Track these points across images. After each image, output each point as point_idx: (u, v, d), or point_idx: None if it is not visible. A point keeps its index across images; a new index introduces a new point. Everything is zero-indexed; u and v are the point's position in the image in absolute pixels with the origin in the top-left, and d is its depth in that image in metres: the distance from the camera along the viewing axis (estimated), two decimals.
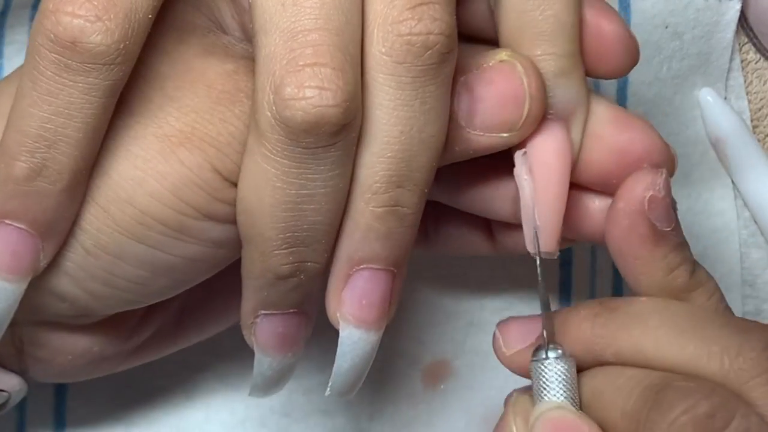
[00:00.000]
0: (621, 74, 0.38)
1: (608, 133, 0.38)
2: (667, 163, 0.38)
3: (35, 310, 0.38)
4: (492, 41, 0.38)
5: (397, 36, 0.34)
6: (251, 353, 0.47)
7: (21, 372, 0.41)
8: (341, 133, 0.34)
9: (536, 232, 0.37)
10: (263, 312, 0.37)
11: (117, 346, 0.41)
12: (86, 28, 0.33)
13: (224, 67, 0.36)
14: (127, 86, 0.35)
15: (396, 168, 0.35)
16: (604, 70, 0.38)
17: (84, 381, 0.46)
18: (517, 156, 0.37)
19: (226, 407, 0.47)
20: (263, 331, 0.37)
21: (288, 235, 0.35)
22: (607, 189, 0.38)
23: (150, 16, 0.34)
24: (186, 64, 0.36)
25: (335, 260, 0.36)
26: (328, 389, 0.38)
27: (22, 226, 0.35)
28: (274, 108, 0.33)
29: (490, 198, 0.40)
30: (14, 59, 0.47)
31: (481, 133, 0.37)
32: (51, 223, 0.35)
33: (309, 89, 0.33)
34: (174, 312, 0.43)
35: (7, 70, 0.47)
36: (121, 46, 0.34)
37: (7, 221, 0.35)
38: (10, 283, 0.36)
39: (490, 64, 0.36)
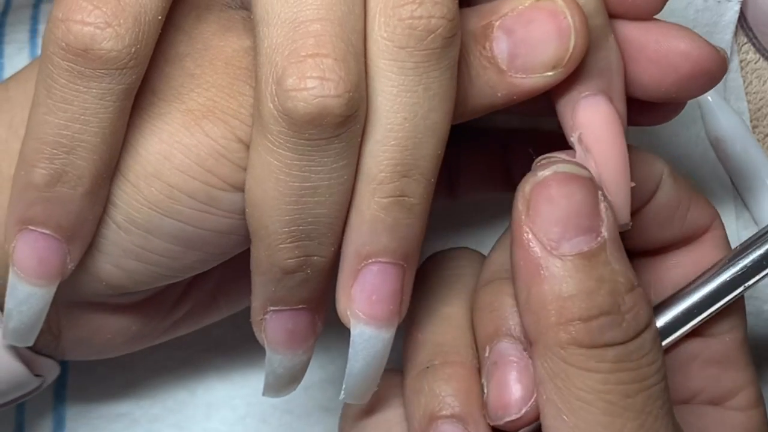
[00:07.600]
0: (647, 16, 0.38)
1: (647, 44, 0.38)
2: (718, 64, 0.38)
3: (72, 290, 0.38)
4: None
5: (398, 20, 0.34)
6: (252, 350, 0.47)
7: (55, 356, 0.41)
8: (345, 124, 0.33)
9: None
10: (272, 308, 0.37)
11: (155, 324, 0.41)
12: (97, 35, 0.34)
13: (242, 44, 0.36)
14: (150, 67, 0.35)
15: (401, 156, 0.34)
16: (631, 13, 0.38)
17: (83, 379, 0.46)
18: (574, 141, 0.37)
19: (227, 404, 0.47)
20: (272, 328, 0.37)
21: (293, 228, 0.35)
22: (655, 97, 0.38)
23: (160, 17, 0.34)
24: (205, 42, 0.36)
25: (343, 256, 0.36)
26: (342, 393, 0.37)
27: (47, 232, 0.36)
28: (276, 99, 0.33)
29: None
30: (14, 58, 0.47)
31: (525, 75, 0.36)
32: (75, 227, 0.36)
33: (311, 80, 0.33)
34: (210, 289, 0.43)
35: (8, 69, 0.47)
36: (133, 50, 0.34)
37: (31, 227, 0.36)
38: (39, 288, 0.36)
39: (526, 4, 0.36)
